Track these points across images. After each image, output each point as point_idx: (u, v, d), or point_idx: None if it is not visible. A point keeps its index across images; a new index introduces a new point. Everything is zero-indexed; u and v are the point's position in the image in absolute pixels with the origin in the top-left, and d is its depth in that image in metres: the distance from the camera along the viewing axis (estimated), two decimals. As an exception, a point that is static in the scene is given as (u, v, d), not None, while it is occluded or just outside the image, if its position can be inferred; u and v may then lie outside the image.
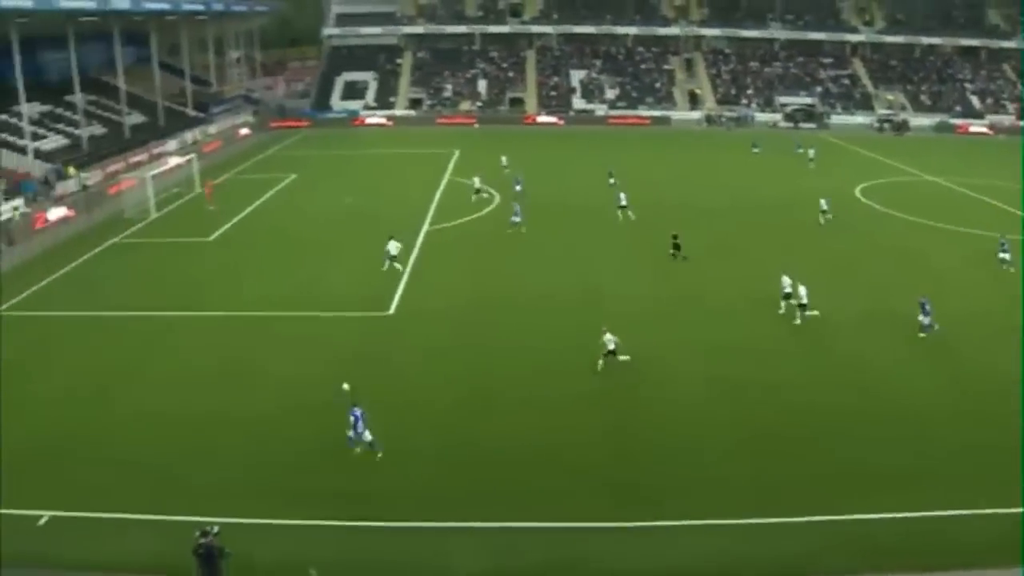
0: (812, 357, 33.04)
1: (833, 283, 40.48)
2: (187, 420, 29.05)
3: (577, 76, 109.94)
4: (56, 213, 58.15)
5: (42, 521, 23.38)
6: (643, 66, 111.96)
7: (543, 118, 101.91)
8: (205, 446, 27.47)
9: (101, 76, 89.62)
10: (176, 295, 41.19)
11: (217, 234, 52.54)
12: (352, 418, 26.09)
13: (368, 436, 26.05)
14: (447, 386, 30.85)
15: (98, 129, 79.28)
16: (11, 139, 68.01)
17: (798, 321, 35.59)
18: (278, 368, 32.63)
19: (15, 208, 56.80)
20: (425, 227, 50.92)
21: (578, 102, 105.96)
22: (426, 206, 56.90)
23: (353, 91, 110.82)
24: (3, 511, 23.63)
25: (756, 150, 78.11)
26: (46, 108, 77.25)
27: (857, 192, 62.29)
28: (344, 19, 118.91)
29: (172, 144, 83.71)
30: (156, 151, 79.06)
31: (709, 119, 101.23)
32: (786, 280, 36.70)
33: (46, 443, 27.86)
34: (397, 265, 43.49)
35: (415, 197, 59.62)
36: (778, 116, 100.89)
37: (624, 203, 52.26)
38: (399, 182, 66.38)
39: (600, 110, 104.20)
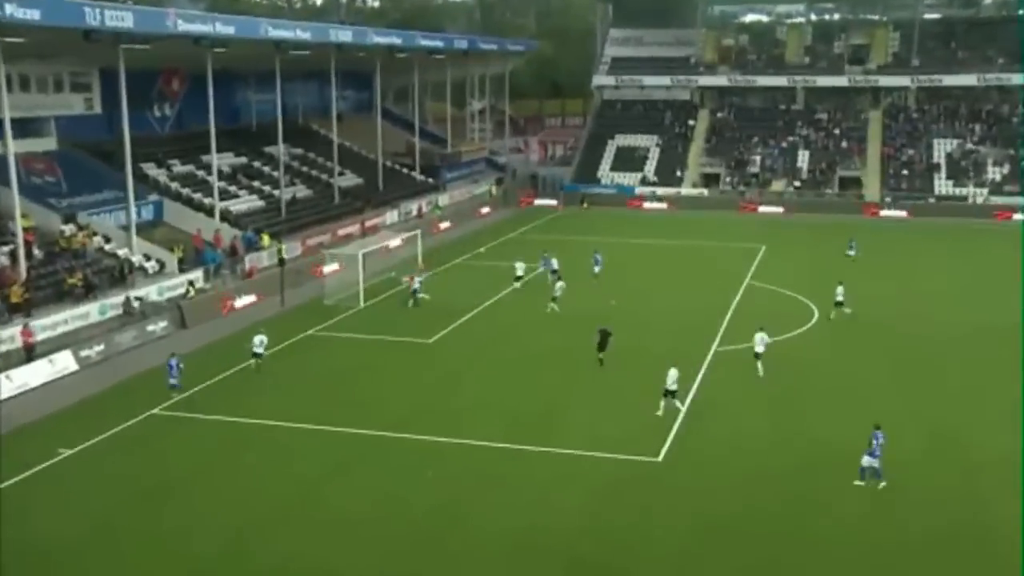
0: None
1: None
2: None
3: (943, 147, 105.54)
4: (244, 301, 60.93)
5: None
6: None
7: (888, 212, 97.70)
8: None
9: (310, 124, 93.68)
10: (378, 409, 41.83)
11: (441, 334, 53.64)
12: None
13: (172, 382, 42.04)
14: (727, 576, 28.86)
15: (301, 190, 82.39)
16: (195, 196, 71.57)
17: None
18: (499, 522, 31.87)
19: (190, 283, 59.29)
20: (713, 347, 50.41)
21: (942, 184, 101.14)
22: (716, 319, 55.93)
23: (628, 160, 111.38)
24: None
25: (851, 252, 73.49)
26: (240, 160, 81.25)
27: None
28: (621, 65, 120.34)
29: (392, 215, 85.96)
30: (371, 223, 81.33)
31: None
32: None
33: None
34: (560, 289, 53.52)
35: (701, 305, 58.47)
36: None
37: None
38: (682, 284, 65.90)
39: (976, 196, 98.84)
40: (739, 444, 38.02)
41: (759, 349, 45.62)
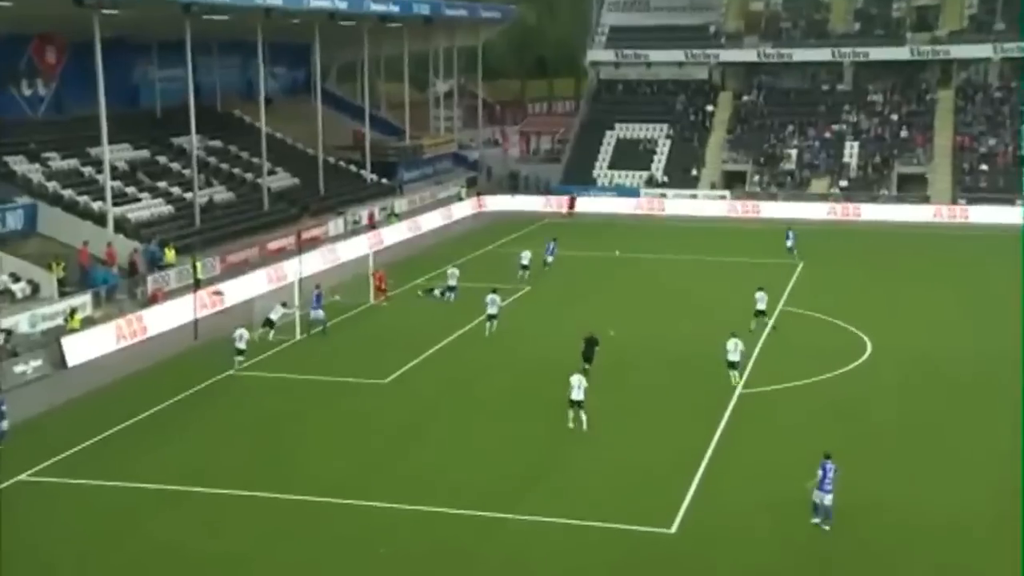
0: None
1: None
2: None
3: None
4: (146, 333, 59.69)
5: None
6: None
7: (968, 213, 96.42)
8: None
9: (231, 109, 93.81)
10: (318, 468, 41.31)
11: (399, 373, 53.41)
12: None
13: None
14: None
15: (221, 192, 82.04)
16: (80, 199, 70.82)
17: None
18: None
19: (73, 311, 57.95)
20: (739, 388, 50.36)
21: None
22: (745, 349, 54.32)
23: (631, 155, 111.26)
24: None
25: (789, 243, 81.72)
26: (140, 154, 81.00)
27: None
28: (622, 36, 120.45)
29: (335, 224, 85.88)
30: (309, 234, 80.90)
31: None
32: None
33: None
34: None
35: (723, 337, 57.15)
36: None
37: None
38: (700, 310, 65.48)
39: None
40: (771, 511, 37.59)
41: (733, 358, 49.57)
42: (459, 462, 41.98)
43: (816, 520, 35.06)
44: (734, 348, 49.51)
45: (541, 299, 67.43)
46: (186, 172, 78.76)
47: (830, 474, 35.07)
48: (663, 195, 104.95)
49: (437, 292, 66.67)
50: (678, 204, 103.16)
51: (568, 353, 50.78)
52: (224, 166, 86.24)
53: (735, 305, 64.07)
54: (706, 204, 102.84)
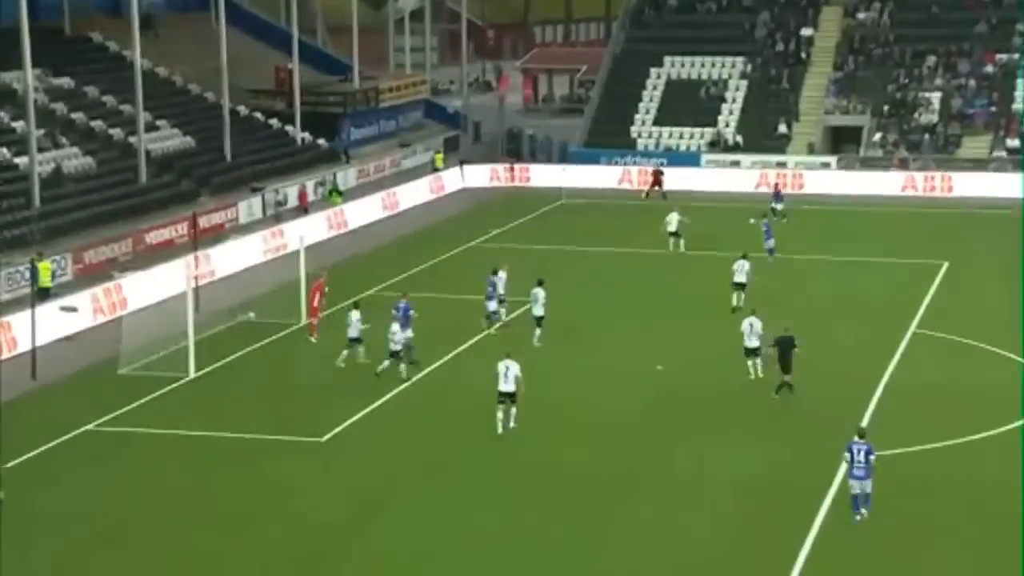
0: None
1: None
2: None
3: None
4: None
5: None
6: None
7: None
8: None
9: (87, 32, 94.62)
10: (228, 571, 40.58)
11: (344, 426, 53.28)
12: None
13: None
14: None
15: (74, 157, 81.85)
16: None
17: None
18: None
19: None
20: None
21: None
22: (857, 399, 55.48)
23: (688, 104, 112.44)
24: None
25: (778, 207, 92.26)
26: None
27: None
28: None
29: (248, 206, 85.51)
30: (210, 219, 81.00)
31: None
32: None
33: None
34: None
35: (831, 372, 58.79)
36: None
37: None
38: (800, 335, 63.30)
39: None
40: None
41: (751, 343, 54.85)
42: (427, 562, 41.01)
43: (859, 516, 40.32)
44: (750, 330, 54.54)
45: (557, 322, 65.61)
46: (17, 125, 79.08)
47: (859, 456, 39.79)
48: (735, 162, 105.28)
49: (495, 310, 66.31)
50: (824, 179, 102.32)
51: (595, 382, 54.09)
52: (78, 117, 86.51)
53: (843, 324, 66.65)
54: (869, 179, 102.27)
